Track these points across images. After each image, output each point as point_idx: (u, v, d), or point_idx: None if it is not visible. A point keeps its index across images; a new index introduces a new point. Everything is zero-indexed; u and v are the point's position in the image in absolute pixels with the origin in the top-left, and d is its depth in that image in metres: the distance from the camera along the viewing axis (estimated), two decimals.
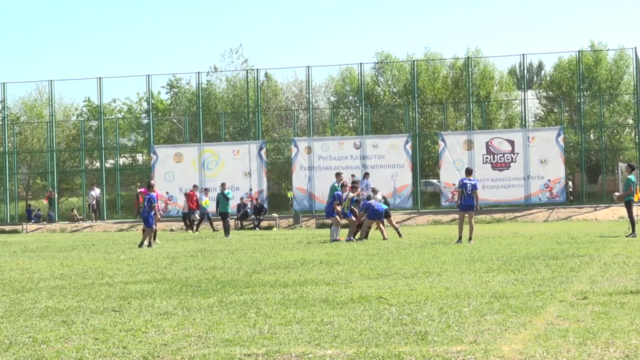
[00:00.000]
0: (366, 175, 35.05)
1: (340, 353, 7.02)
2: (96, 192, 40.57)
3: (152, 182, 26.52)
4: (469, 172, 22.14)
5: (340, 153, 38.33)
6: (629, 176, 22.91)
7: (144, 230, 24.29)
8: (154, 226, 23.88)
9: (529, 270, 13.16)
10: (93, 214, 41.16)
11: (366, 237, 23.97)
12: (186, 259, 18.08)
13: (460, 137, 38.33)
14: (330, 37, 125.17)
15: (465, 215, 21.45)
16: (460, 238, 21.00)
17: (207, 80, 51.92)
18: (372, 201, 24.30)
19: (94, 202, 41.17)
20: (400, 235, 24.29)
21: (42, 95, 53.54)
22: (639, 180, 23.10)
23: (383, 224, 24.12)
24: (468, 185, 21.37)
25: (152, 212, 23.57)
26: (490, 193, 37.03)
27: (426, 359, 6.75)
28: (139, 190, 39.37)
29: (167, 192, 36.42)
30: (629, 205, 22.58)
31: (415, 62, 44.04)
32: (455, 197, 23.73)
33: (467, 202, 21.34)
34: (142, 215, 24.02)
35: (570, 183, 41.14)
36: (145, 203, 23.90)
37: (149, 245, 23.41)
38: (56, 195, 42.68)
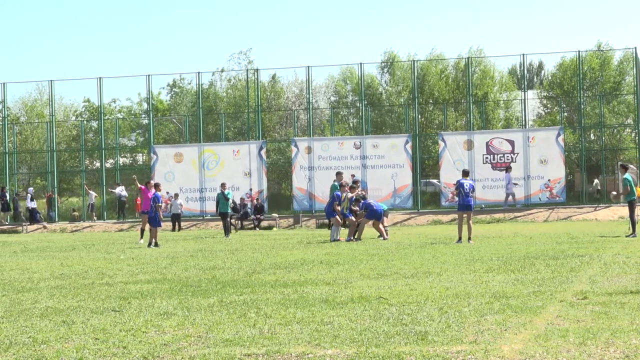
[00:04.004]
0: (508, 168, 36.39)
1: (340, 353, 7.03)
2: (119, 189, 40.57)
3: (155, 181, 27.07)
4: (465, 173, 22.38)
5: (340, 153, 38.32)
6: (624, 176, 23.21)
7: (150, 230, 24.41)
8: (160, 225, 24.28)
9: (529, 270, 13.16)
10: (93, 214, 41.21)
11: (359, 237, 23.68)
12: (186, 259, 18.08)
13: (460, 137, 38.33)
14: (332, 37, 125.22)
15: (464, 215, 21.51)
16: (460, 238, 21.04)
17: (209, 81, 51.97)
18: (371, 201, 24.29)
19: (91, 201, 41.34)
20: (384, 238, 23.36)
21: (42, 95, 53.60)
22: (639, 178, 23.25)
23: (383, 224, 24.10)
24: (465, 184, 21.51)
25: (158, 212, 23.94)
26: (490, 193, 37.03)
27: (426, 359, 6.76)
28: (117, 190, 39.78)
29: (168, 192, 36.44)
30: (631, 205, 22.66)
31: (416, 62, 44.04)
32: (456, 197, 23.84)
33: (465, 201, 21.48)
34: (149, 215, 24.22)
35: (596, 181, 40.73)
36: (152, 202, 24.16)
37: (156, 244, 23.56)
38: (56, 195, 42.66)
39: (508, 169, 36.20)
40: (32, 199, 41.12)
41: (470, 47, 51.78)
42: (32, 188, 41.81)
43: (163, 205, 27.24)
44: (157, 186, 25.37)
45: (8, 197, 40.88)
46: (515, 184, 36.33)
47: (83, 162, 44.87)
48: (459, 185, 21.66)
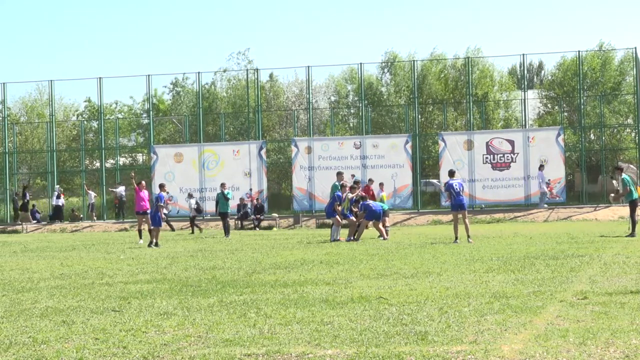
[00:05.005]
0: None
1: (340, 353, 7.03)
2: (121, 189, 40.50)
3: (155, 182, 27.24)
4: (451, 173, 22.61)
5: (340, 153, 38.31)
6: (622, 177, 23.40)
7: (150, 230, 24.43)
8: (161, 225, 24.43)
9: (529, 270, 13.16)
10: (93, 214, 41.20)
11: (358, 238, 23.64)
12: (186, 259, 18.08)
13: (460, 137, 38.31)
14: (332, 37, 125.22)
15: (459, 215, 21.62)
16: (456, 238, 21.08)
17: (211, 80, 51.96)
18: (369, 202, 24.28)
19: (91, 201, 41.31)
20: (384, 238, 23.43)
21: (42, 95, 53.57)
22: (638, 178, 23.36)
23: (384, 224, 24.09)
24: (454, 184, 21.69)
25: (159, 212, 24.04)
26: (490, 193, 37.03)
27: (426, 359, 6.76)
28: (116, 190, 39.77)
29: (168, 192, 36.44)
30: (633, 205, 22.68)
31: (415, 62, 44.04)
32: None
33: (457, 201, 21.65)
34: (150, 214, 24.32)
35: (614, 182, 40.55)
36: (154, 202, 24.33)
37: (156, 244, 23.60)
38: (56, 195, 42.65)
39: (541, 167, 36.18)
40: (58, 197, 41.03)
41: (468, 47, 51.74)
42: (58, 186, 41.74)
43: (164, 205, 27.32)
44: (162, 187, 25.78)
45: (28, 197, 41.02)
46: (548, 183, 36.23)
47: (83, 162, 44.86)
48: (449, 187, 21.94)
